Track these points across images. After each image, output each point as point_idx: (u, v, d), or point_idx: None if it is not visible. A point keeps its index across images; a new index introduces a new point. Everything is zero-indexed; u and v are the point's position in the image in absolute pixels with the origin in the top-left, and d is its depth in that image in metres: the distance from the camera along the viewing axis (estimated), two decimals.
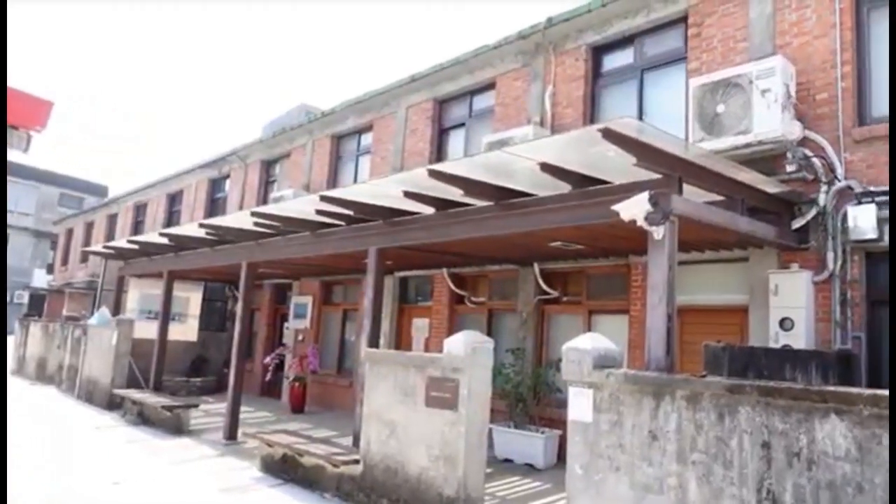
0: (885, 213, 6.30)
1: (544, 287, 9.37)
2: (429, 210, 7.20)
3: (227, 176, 17.94)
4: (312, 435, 8.63)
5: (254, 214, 8.69)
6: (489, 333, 9.96)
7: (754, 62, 7.03)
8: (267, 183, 16.49)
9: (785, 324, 6.62)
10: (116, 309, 14.48)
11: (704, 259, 7.75)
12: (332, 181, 13.96)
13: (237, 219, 9.51)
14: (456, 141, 11.54)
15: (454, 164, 6.06)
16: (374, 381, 6.63)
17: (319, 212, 7.90)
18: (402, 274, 11.84)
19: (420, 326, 11.48)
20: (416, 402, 6.08)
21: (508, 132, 9.25)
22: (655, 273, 4.85)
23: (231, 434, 9.55)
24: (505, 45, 10.14)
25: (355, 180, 13.19)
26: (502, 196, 6.41)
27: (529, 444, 8.22)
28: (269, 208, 8.80)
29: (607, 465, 4.47)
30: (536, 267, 9.39)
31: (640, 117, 8.57)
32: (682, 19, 8.36)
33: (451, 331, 9.73)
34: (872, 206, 6.34)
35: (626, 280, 8.53)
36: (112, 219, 24.85)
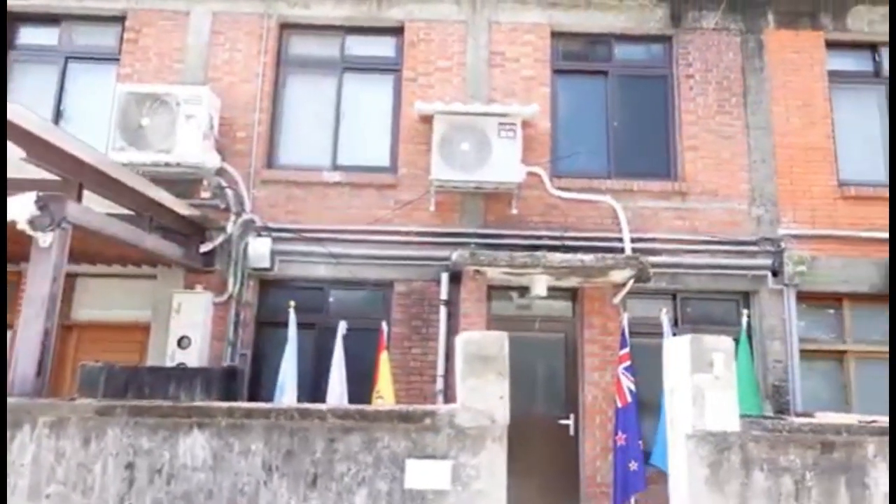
0: (278, 246, 7.29)
1: None
2: None
3: None
4: None
5: None
6: None
7: (186, 86, 7.26)
8: None
9: (183, 342, 6.85)
10: None
11: (111, 273, 7.35)
12: None
13: None
14: None
15: None
16: None
17: None
18: None
19: None
20: None
21: None
22: (37, 284, 4.30)
23: None
24: None
25: None
26: None
27: None
28: None
29: None
30: None
31: (59, 108, 7.72)
32: (121, 20, 7.93)
33: None
34: (269, 240, 7.27)
35: (15, 290, 7.31)
36: None
